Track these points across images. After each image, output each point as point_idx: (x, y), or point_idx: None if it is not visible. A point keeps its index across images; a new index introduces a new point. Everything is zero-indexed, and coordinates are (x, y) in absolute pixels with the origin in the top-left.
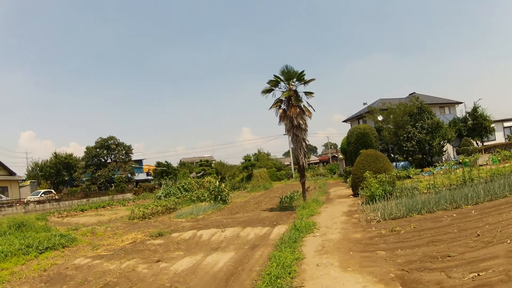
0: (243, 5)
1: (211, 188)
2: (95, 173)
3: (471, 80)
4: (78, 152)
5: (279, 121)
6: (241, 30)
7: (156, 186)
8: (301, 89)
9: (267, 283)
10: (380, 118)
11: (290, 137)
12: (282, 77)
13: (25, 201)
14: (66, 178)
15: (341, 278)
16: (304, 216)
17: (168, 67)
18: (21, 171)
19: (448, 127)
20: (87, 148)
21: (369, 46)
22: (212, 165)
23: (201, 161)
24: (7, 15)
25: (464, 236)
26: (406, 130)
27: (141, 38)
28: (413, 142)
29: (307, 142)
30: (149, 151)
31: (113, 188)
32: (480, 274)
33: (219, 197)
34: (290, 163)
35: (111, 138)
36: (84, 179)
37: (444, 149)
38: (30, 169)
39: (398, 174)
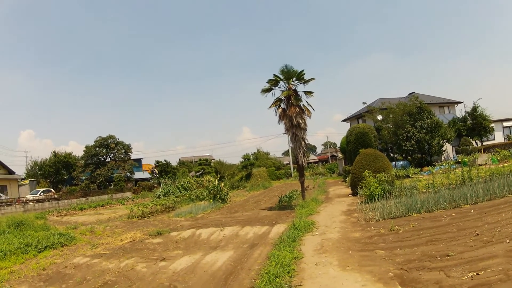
0: (243, 5)
1: (210, 187)
2: (94, 172)
3: (471, 80)
4: (78, 151)
5: (279, 120)
6: (241, 30)
7: (155, 185)
8: (300, 88)
9: (266, 282)
10: (379, 117)
11: (289, 136)
12: (281, 77)
13: (24, 200)
14: (65, 177)
15: (340, 277)
16: (303, 215)
17: (168, 67)
18: (20, 170)
19: (448, 126)
20: (86, 147)
21: (369, 46)
22: (211, 164)
23: (200, 160)
24: (7, 15)
25: (463, 236)
26: (406, 129)
27: (141, 38)
28: (413, 142)
29: (306, 141)
30: (149, 150)
31: (112, 187)
32: (479, 273)
33: (218, 196)
34: (289, 162)
35: (111, 137)
36: (83, 178)
37: (444, 148)
38: (29, 168)
39: (397, 173)
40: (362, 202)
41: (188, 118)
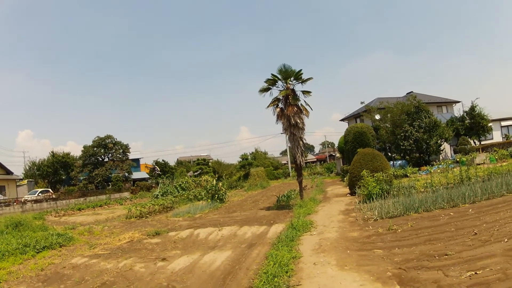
0: (243, 5)
1: (208, 187)
2: (92, 172)
3: (471, 80)
4: (76, 151)
5: (277, 120)
6: (241, 30)
7: (154, 185)
8: (298, 88)
9: (264, 282)
10: (377, 117)
11: (287, 136)
12: (279, 76)
13: (22, 200)
14: (63, 177)
15: (338, 277)
16: (301, 215)
17: (168, 66)
18: (18, 170)
19: (446, 126)
20: (84, 147)
21: (368, 46)
22: (209, 164)
23: (198, 160)
24: (7, 15)
25: (461, 235)
26: (404, 129)
27: (141, 37)
28: (411, 141)
29: (304, 141)
30: (147, 150)
31: (110, 187)
32: (477, 272)
33: (216, 196)
34: (287, 162)
35: (109, 137)
36: (81, 178)
37: (442, 148)
38: (28, 168)
39: (395, 173)
40: (360, 201)
41: (187, 117)
